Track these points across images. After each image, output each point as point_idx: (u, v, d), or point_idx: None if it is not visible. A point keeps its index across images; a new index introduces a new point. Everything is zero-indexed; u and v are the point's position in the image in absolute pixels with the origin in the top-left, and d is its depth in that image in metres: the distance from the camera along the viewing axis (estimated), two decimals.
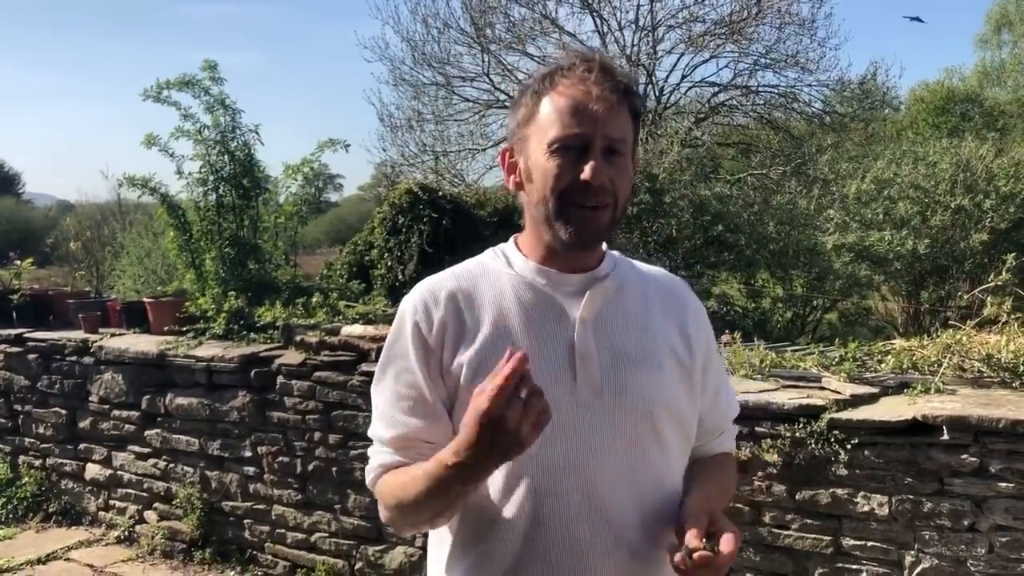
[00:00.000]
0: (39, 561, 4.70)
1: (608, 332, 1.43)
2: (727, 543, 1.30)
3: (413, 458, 1.42)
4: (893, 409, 3.04)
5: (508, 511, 1.39)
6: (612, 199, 1.39)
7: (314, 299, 4.87)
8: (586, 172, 1.35)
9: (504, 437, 1.18)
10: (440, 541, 1.50)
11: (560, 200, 1.37)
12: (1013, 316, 3.56)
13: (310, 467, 4.29)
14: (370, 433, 1.51)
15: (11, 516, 5.30)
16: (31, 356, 5.39)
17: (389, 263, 6.18)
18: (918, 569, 2.95)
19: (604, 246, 1.53)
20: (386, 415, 1.46)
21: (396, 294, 5.97)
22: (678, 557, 1.30)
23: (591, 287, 1.44)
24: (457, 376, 1.40)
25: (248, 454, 4.50)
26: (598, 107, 1.36)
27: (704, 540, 1.30)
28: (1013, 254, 4.26)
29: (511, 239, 1.54)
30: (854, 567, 3.08)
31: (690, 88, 15.58)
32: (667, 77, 15.34)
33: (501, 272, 1.47)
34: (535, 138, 1.40)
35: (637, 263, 1.59)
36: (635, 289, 1.51)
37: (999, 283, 4.09)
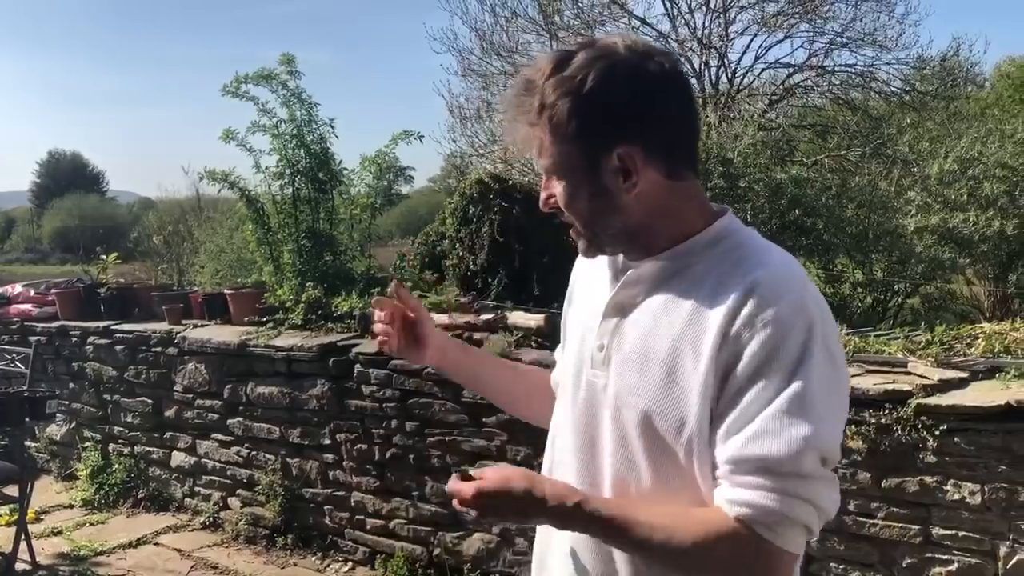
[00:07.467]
0: (130, 545, 4.87)
1: (622, 323, 1.34)
2: (470, 486, 1.29)
3: None
4: (985, 394, 2.93)
5: None
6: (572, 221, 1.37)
7: (388, 289, 4.90)
8: None
9: None
10: None
11: None
12: None
13: (387, 454, 4.34)
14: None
15: (103, 502, 5.50)
16: (118, 347, 5.57)
17: (460, 253, 6.18)
18: (1013, 560, 2.84)
19: (718, 219, 1.32)
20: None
21: (468, 284, 5.99)
22: None
23: (627, 273, 1.35)
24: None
25: (327, 442, 4.57)
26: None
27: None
28: None
29: None
30: (944, 557, 2.98)
31: (763, 70, 15.22)
32: (739, 59, 15.01)
33: None
34: None
35: (749, 255, 1.28)
36: (690, 280, 1.28)
37: None
